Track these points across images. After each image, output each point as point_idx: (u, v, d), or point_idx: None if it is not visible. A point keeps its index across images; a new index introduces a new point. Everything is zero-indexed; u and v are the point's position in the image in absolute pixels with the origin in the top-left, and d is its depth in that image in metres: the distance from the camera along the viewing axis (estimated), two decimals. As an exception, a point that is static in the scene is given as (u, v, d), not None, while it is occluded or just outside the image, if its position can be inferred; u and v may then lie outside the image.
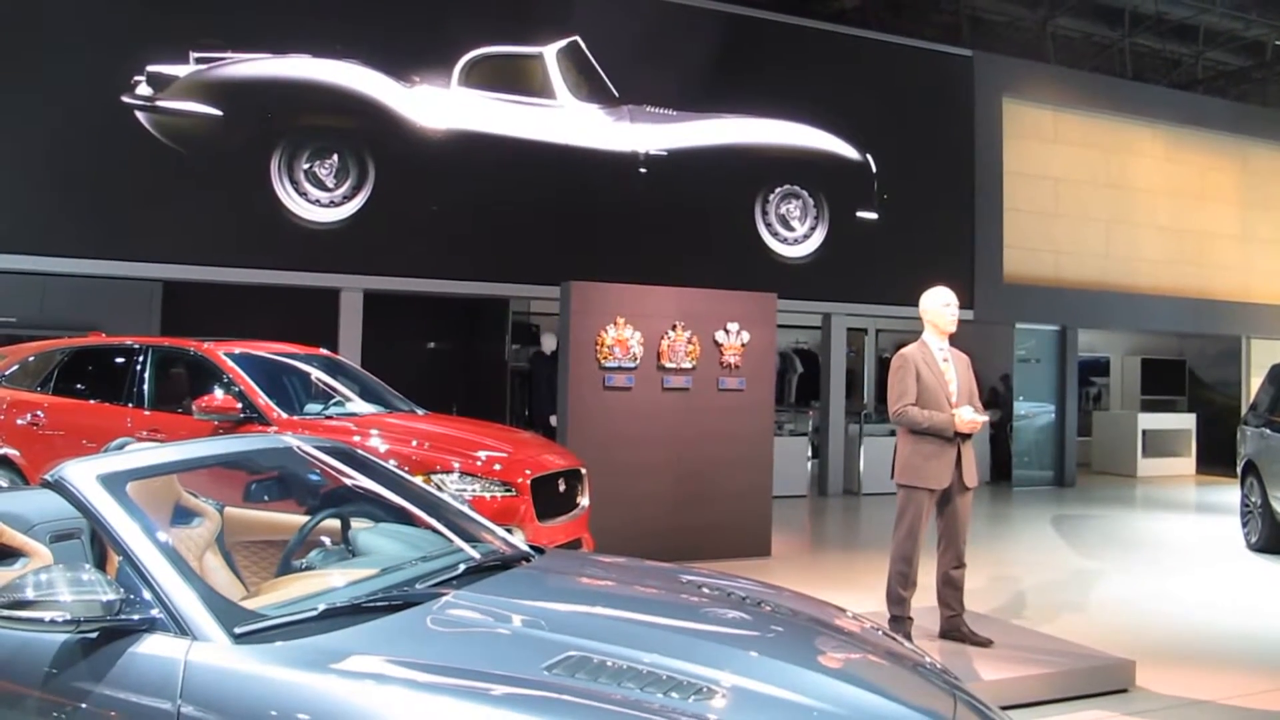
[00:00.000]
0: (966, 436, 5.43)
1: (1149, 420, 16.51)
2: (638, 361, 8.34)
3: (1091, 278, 14.95)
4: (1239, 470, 10.03)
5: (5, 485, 6.79)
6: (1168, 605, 7.27)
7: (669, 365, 8.44)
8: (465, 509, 3.65)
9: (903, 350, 5.57)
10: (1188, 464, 16.52)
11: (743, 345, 8.69)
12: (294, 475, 3.82)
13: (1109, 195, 15.20)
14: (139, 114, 9.74)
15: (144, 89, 9.73)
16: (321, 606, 2.59)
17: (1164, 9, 16.26)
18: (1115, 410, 18.07)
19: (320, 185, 10.38)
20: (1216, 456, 15.45)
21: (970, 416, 5.34)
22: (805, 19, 13.04)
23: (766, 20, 12.62)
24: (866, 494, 12.97)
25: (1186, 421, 16.84)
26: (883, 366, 16.92)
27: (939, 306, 5.59)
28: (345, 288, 10.58)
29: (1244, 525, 9.81)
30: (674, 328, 8.45)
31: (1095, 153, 15.13)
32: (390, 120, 10.58)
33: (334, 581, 2.90)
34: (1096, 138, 15.14)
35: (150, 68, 9.74)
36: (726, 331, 8.64)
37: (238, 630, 2.40)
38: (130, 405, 6.84)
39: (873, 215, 12.99)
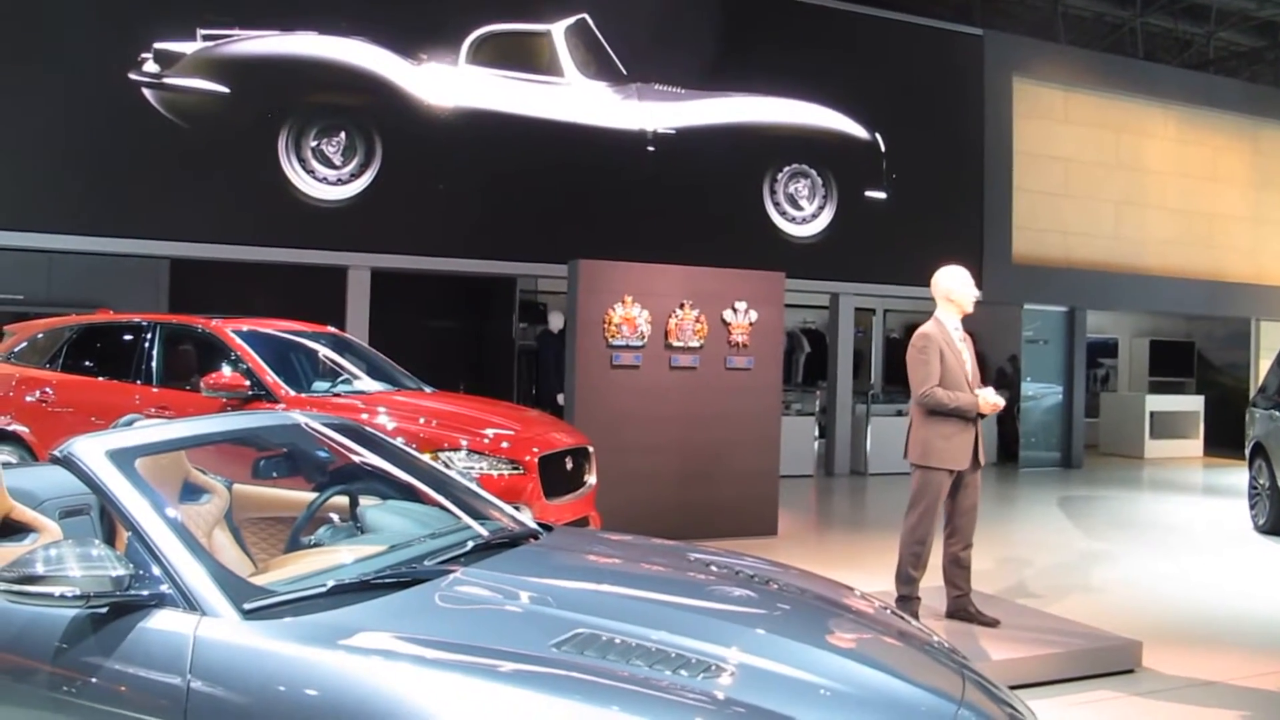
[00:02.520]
0: (981, 416, 5.41)
1: (1157, 402, 16.46)
2: (645, 340, 8.32)
3: (1101, 259, 14.86)
4: (1247, 452, 10.01)
5: (15, 461, 6.81)
6: (1175, 586, 7.26)
7: (676, 344, 8.43)
8: (473, 486, 3.65)
9: (924, 330, 5.43)
10: (1195, 446, 16.46)
11: (750, 324, 8.67)
12: (302, 452, 3.83)
13: (1119, 176, 15.10)
14: (146, 91, 9.72)
15: (151, 66, 9.71)
16: (330, 583, 2.59)
17: (1176, -12, 16.14)
18: (1123, 392, 18.01)
19: (328, 163, 10.36)
20: (1224, 438, 15.40)
21: (994, 399, 5.31)
22: (815, -4, 12.96)
23: (776, -2, 12.54)
24: (873, 474, 12.96)
25: (1194, 403, 16.77)
26: (890, 347, 16.91)
27: (961, 286, 5.46)
28: (353, 265, 10.58)
29: (1252, 507, 9.79)
30: (682, 306, 8.44)
31: (1105, 133, 15.02)
32: (398, 98, 10.54)
33: (342, 558, 2.91)
34: (1107, 118, 15.02)
35: (158, 45, 9.72)
36: (734, 310, 8.62)
37: (247, 606, 2.41)
38: (139, 382, 6.87)
39: (881, 195, 12.93)
